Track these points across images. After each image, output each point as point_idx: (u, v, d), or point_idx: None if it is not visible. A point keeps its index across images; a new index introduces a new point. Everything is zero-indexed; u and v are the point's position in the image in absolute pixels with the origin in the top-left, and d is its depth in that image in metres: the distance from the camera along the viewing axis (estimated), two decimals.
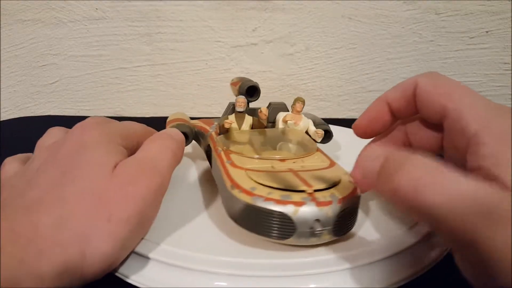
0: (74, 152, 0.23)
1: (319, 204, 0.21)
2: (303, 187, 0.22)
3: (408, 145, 0.25)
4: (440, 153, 0.24)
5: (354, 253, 0.22)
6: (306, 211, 0.21)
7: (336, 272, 0.22)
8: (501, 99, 0.61)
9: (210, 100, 0.62)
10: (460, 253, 0.17)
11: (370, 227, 0.25)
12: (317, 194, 0.22)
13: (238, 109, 0.33)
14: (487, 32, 0.57)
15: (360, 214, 0.25)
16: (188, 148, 0.38)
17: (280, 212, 0.21)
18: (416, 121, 0.24)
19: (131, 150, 0.25)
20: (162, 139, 0.25)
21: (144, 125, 0.30)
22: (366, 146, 0.25)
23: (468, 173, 0.18)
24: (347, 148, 0.38)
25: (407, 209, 0.18)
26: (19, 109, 0.64)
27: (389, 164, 0.18)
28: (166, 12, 0.57)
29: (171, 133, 0.27)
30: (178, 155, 0.26)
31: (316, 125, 0.34)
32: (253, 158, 0.27)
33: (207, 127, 0.35)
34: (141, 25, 0.58)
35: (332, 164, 0.26)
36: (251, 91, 0.35)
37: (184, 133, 0.33)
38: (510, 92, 0.61)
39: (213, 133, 0.33)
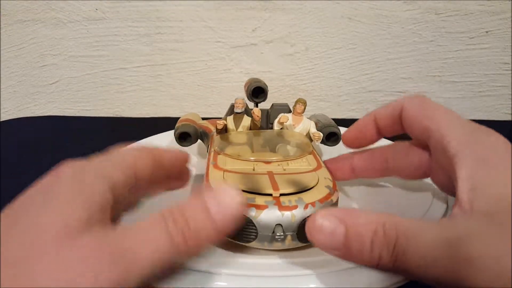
0: (29, 200, 0.17)
1: (282, 208, 0.21)
2: (270, 191, 0.22)
3: (386, 170, 0.27)
4: (420, 178, 0.26)
5: None
6: (267, 214, 0.21)
7: (336, 272, 0.22)
8: (501, 99, 0.61)
9: (210, 101, 0.62)
10: None
11: None
12: (283, 198, 0.21)
13: (236, 110, 0.33)
14: (487, 32, 0.57)
15: None
16: (193, 148, 0.39)
17: (242, 214, 0.21)
18: (398, 148, 0.26)
19: (127, 187, 0.19)
20: (158, 218, 0.17)
21: (140, 148, 0.22)
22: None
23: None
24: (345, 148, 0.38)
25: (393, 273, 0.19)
26: (19, 109, 0.64)
27: (358, 239, 0.18)
28: (166, 12, 0.57)
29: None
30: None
31: (325, 126, 0.34)
32: (238, 159, 0.27)
33: (212, 128, 0.35)
34: (141, 26, 0.58)
35: (318, 167, 0.26)
36: (257, 92, 0.35)
37: (187, 133, 0.34)
38: (510, 92, 0.60)
39: (215, 134, 0.33)
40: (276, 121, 0.34)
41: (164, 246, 0.16)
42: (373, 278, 0.22)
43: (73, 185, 0.17)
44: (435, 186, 0.30)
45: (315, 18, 0.57)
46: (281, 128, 0.34)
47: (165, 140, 0.44)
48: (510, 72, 0.59)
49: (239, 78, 0.61)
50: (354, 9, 0.57)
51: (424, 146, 0.24)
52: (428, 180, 0.32)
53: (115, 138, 0.51)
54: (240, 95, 0.34)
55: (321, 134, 0.32)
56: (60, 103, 0.64)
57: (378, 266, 0.18)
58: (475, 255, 0.15)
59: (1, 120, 0.62)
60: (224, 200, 0.18)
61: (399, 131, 0.25)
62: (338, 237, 0.18)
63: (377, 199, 0.29)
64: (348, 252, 0.18)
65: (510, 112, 0.62)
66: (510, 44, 0.58)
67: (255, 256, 0.22)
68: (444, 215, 0.27)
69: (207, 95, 0.62)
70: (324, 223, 0.18)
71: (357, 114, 0.63)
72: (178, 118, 0.38)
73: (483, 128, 0.21)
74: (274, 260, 0.22)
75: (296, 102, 0.33)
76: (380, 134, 0.26)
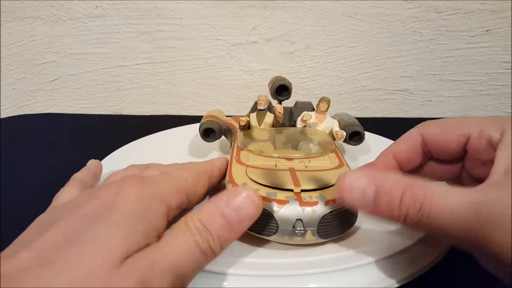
0: (94, 215, 0.18)
1: (303, 204, 0.21)
2: (291, 186, 0.22)
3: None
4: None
5: (354, 253, 0.22)
6: (288, 209, 0.21)
7: (336, 272, 0.22)
8: (501, 98, 0.61)
9: (210, 99, 0.62)
10: (473, 251, 0.18)
11: (370, 227, 0.25)
12: (304, 194, 0.22)
13: (259, 107, 0.34)
14: (487, 31, 0.57)
15: (361, 215, 0.25)
16: (216, 143, 0.40)
17: (263, 209, 0.21)
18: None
19: (180, 208, 0.22)
20: (191, 229, 0.19)
21: (196, 170, 0.25)
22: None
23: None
24: (367, 147, 0.38)
25: (416, 229, 0.20)
26: (18, 107, 0.63)
27: (387, 197, 0.19)
28: (166, 10, 0.57)
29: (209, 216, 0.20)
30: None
31: (348, 125, 0.34)
32: (260, 155, 0.27)
33: (236, 124, 0.35)
34: (141, 23, 0.58)
35: (340, 165, 0.26)
36: (281, 90, 0.35)
37: (212, 129, 0.35)
38: (510, 91, 0.60)
39: (238, 130, 0.34)
40: (299, 119, 0.34)
41: (200, 263, 0.18)
42: (373, 278, 0.22)
43: (136, 208, 0.18)
44: None
45: (316, 16, 0.57)
46: (304, 126, 0.34)
47: (165, 138, 0.44)
48: (510, 71, 0.59)
49: (239, 76, 0.61)
50: (354, 7, 0.56)
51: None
52: None
53: (115, 136, 0.51)
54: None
55: (344, 133, 0.32)
56: (59, 101, 0.63)
57: (404, 222, 0.19)
58: (497, 215, 0.17)
59: (1, 117, 0.62)
60: (241, 206, 0.19)
61: (419, 161, 0.26)
62: (368, 196, 0.20)
63: None
64: (376, 208, 0.20)
65: (510, 111, 0.62)
66: (511, 43, 0.58)
67: (255, 255, 0.22)
68: None
69: (207, 93, 0.62)
70: (355, 183, 0.20)
71: (357, 112, 0.63)
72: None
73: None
74: (274, 260, 0.22)
75: (320, 100, 0.33)
76: (401, 170, 0.27)
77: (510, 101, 0.61)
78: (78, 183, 0.25)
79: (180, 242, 0.18)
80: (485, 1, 0.55)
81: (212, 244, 0.19)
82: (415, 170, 0.27)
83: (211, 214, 0.19)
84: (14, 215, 0.32)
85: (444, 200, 0.18)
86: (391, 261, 0.23)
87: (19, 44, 0.60)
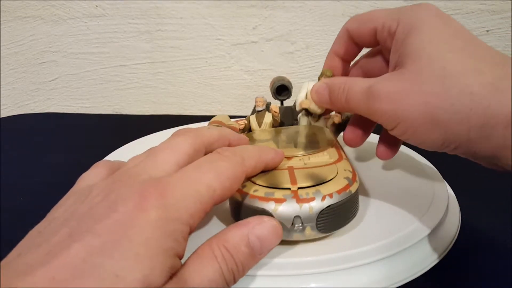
0: (111, 236, 0.16)
1: (300, 201, 0.22)
2: (288, 185, 0.23)
3: None
4: None
5: (354, 253, 0.22)
6: (286, 207, 0.22)
7: (336, 272, 0.22)
8: None
9: (210, 98, 0.62)
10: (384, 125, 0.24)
11: (370, 227, 0.25)
12: (301, 191, 0.22)
13: (257, 108, 0.34)
14: (487, 31, 0.57)
15: (360, 214, 0.25)
16: None
17: (262, 208, 0.22)
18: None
19: (201, 220, 0.20)
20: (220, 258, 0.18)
21: (227, 175, 0.20)
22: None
23: None
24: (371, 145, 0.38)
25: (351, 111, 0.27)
26: (18, 106, 0.63)
27: (334, 94, 0.27)
28: (166, 9, 0.57)
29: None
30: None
31: (348, 118, 0.33)
32: None
33: (238, 127, 0.36)
34: (141, 23, 0.58)
35: (339, 160, 0.26)
36: (281, 90, 0.35)
37: None
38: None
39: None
40: (298, 102, 0.32)
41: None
42: (373, 278, 0.22)
43: (156, 237, 0.17)
44: (436, 187, 0.30)
45: (316, 16, 0.57)
46: (304, 109, 0.33)
47: (165, 138, 0.44)
48: None
49: (239, 75, 0.61)
50: (355, 7, 0.56)
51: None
52: (429, 180, 0.32)
53: (115, 135, 0.51)
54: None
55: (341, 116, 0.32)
56: (59, 100, 0.63)
57: (346, 106, 0.26)
58: (380, 91, 0.22)
59: (1, 116, 0.62)
60: (265, 236, 0.19)
61: (356, 51, 0.30)
62: (325, 94, 0.27)
63: (380, 200, 0.29)
64: (331, 101, 0.27)
65: None
66: (511, 43, 0.57)
67: None
68: (445, 213, 0.27)
69: (207, 92, 0.62)
70: (317, 88, 0.28)
71: None
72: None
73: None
74: (274, 260, 0.22)
75: (322, 74, 0.31)
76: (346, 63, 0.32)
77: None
78: (106, 164, 0.23)
79: (207, 274, 0.17)
80: (485, 1, 0.55)
81: (235, 273, 0.18)
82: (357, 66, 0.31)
83: (237, 243, 0.18)
84: (14, 215, 0.32)
85: (354, 87, 0.25)
86: (391, 261, 0.23)
87: (19, 44, 0.60)
